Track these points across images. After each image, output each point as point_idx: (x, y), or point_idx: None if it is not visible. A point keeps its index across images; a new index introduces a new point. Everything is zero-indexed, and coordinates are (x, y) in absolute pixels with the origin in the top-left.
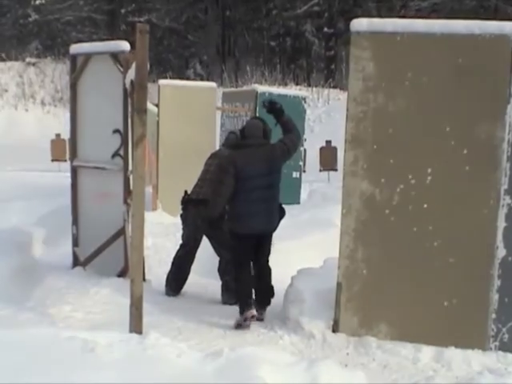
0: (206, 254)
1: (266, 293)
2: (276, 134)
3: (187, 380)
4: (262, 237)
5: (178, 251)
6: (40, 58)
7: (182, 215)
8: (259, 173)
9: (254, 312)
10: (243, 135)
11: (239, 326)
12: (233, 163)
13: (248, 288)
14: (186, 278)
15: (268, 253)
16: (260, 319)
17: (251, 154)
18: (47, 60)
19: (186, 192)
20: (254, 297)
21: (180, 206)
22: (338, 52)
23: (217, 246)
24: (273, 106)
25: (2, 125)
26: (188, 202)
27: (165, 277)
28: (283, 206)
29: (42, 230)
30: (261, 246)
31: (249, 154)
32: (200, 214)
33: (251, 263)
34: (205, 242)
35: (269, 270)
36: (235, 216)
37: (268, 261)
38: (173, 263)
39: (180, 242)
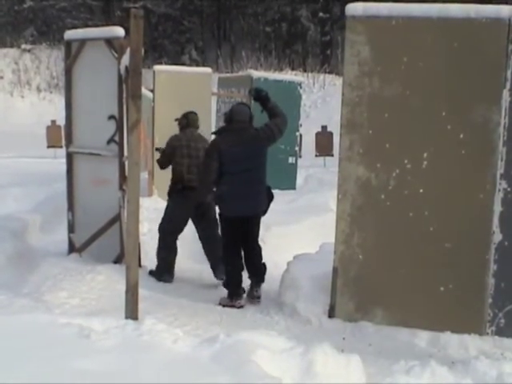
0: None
1: (258, 270)
2: (263, 121)
3: (183, 366)
4: (248, 220)
5: (165, 234)
6: (35, 44)
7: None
8: (243, 156)
9: (242, 302)
10: (230, 119)
11: (223, 306)
12: (216, 147)
13: (237, 275)
14: (175, 258)
15: (257, 234)
16: (257, 296)
17: (235, 137)
18: (42, 46)
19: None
20: (245, 284)
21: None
22: (334, 37)
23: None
24: (259, 94)
25: None
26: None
27: None
28: (274, 190)
29: (37, 216)
30: (248, 229)
31: (232, 137)
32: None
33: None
34: None
35: (258, 248)
36: (221, 199)
37: (257, 240)
38: (160, 249)
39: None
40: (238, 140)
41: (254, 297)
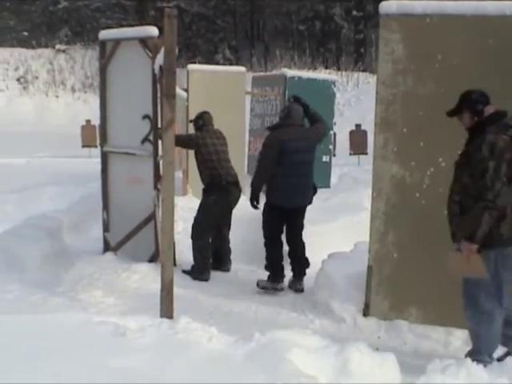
0: (235, 240)
1: (302, 264)
2: None
3: (218, 364)
4: (297, 210)
5: (204, 231)
6: (70, 44)
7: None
8: (299, 148)
9: (283, 285)
10: (287, 116)
11: (264, 288)
12: (278, 139)
13: (279, 260)
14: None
15: (302, 228)
16: (300, 289)
17: (293, 131)
18: (77, 46)
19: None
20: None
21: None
22: (368, 35)
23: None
24: (298, 101)
25: (33, 111)
26: None
27: None
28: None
29: (72, 215)
30: (295, 220)
31: (291, 131)
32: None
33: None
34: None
35: (302, 244)
36: (274, 190)
37: (301, 236)
38: (199, 248)
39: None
40: (297, 134)
41: (298, 289)
